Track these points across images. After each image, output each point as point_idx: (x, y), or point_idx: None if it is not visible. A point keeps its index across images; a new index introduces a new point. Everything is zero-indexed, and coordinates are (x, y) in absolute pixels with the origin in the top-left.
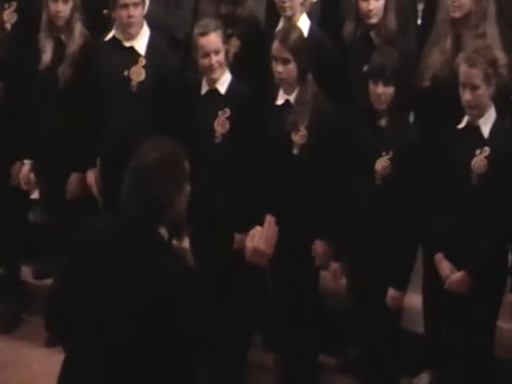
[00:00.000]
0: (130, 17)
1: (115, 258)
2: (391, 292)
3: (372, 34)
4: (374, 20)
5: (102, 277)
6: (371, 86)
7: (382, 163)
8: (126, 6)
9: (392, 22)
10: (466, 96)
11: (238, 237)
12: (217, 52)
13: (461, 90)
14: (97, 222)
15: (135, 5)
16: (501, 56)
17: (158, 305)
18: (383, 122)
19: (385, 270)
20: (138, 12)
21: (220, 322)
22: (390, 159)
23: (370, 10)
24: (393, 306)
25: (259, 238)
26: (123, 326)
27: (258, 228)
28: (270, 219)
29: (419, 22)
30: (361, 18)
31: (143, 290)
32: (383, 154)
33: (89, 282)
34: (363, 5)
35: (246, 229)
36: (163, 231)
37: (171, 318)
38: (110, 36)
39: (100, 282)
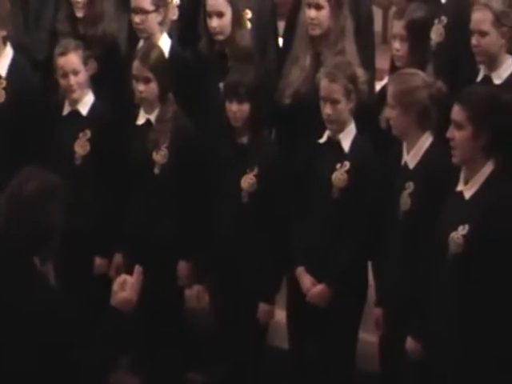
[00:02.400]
0: None
1: None
2: (262, 306)
3: (227, 51)
4: (219, 37)
5: None
6: (227, 104)
7: (247, 180)
8: None
9: (245, 38)
10: (327, 110)
11: (98, 261)
12: (75, 72)
13: (321, 104)
14: None
15: None
16: (360, 72)
17: (34, 335)
18: (244, 140)
19: (252, 286)
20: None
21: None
22: (255, 176)
23: (213, 28)
24: (264, 321)
25: (130, 288)
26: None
27: (126, 276)
28: (138, 269)
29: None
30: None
31: (18, 319)
32: (248, 171)
33: None
34: (209, 22)
35: (107, 251)
36: (36, 259)
37: (46, 346)
38: None
39: None
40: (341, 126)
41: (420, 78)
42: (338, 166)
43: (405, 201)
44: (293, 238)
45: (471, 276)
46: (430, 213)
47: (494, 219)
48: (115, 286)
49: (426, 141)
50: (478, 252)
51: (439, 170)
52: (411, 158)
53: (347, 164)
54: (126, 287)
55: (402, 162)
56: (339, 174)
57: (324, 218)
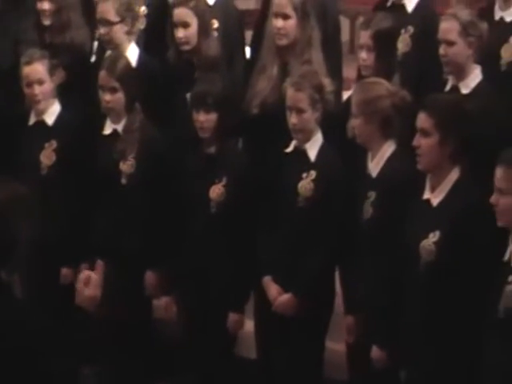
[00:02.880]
0: None
1: None
2: (231, 316)
3: (195, 60)
4: (186, 47)
5: None
6: (194, 114)
7: (216, 191)
8: None
9: (212, 48)
10: (292, 120)
11: (64, 271)
12: (40, 82)
13: (288, 114)
14: None
15: None
16: (327, 82)
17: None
18: (212, 150)
19: (221, 295)
20: None
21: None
22: (223, 186)
23: (179, 38)
24: (234, 330)
25: (93, 285)
26: None
27: (88, 273)
28: (100, 264)
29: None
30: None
31: None
32: (216, 181)
33: None
34: (175, 32)
35: (74, 261)
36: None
37: (15, 357)
38: None
39: None
40: (307, 136)
41: (383, 87)
42: (305, 175)
43: (367, 210)
44: (260, 248)
45: (444, 282)
46: (392, 221)
47: (465, 225)
48: (78, 284)
49: (388, 149)
50: (450, 258)
51: (401, 178)
52: (374, 166)
53: (313, 173)
54: (89, 284)
55: (367, 171)
56: (305, 183)
57: (290, 227)
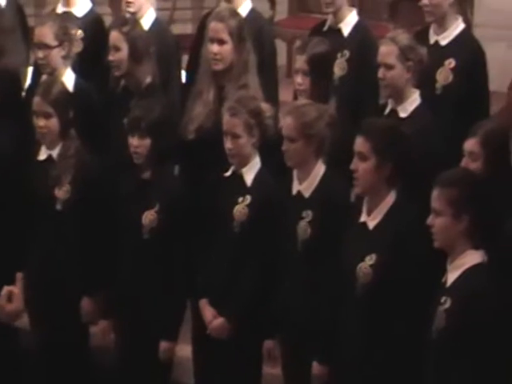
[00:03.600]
0: None
1: None
2: (163, 344)
3: (130, 85)
4: (117, 72)
5: None
6: (129, 139)
7: (148, 217)
8: None
9: (145, 72)
10: (228, 144)
11: None
12: None
13: (224, 138)
14: None
15: None
16: (266, 107)
17: None
18: (147, 175)
19: (153, 322)
20: None
21: None
22: (156, 212)
23: (110, 61)
24: (165, 358)
25: (16, 299)
26: None
27: (9, 288)
28: (19, 276)
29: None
30: None
31: None
32: (149, 207)
33: None
34: (109, 57)
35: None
36: None
37: None
38: None
39: None
40: (243, 160)
41: (315, 107)
42: (240, 199)
43: (304, 229)
44: (197, 271)
45: (380, 304)
46: (330, 239)
47: (400, 247)
48: (1, 301)
49: (320, 168)
50: (386, 280)
51: (337, 197)
52: (306, 186)
53: (248, 198)
54: (12, 299)
55: (294, 192)
56: (240, 208)
57: (225, 250)
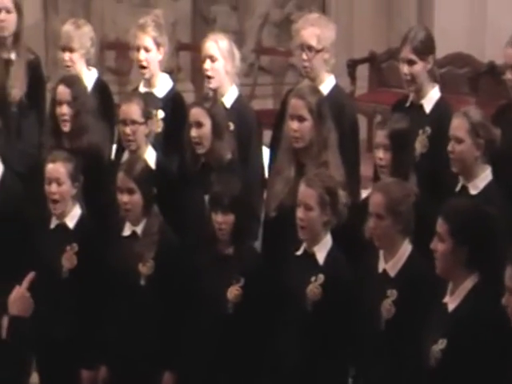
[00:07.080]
0: None
1: None
2: None
3: (210, 161)
4: (200, 149)
5: None
6: (212, 215)
7: (233, 291)
8: None
9: (224, 149)
10: (299, 214)
11: (85, 373)
12: (60, 183)
13: (297, 210)
14: None
15: None
16: (342, 194)
17: None
18: (230, 251)
19: None
20: None
21: None
22: (241, 287)
23: (193, 137)
24: None
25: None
26: None
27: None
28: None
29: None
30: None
31: None
32: (234, 282)
33: None
34: (189, 133)
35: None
36: None
37: None
38: None
39: None
40: (314, 237)
41: (403, 185)
42: (313, 279)
43: (387, 309)
44: (266, 353)
45: None
46: (414, 320)
47: (468, 334)
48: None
49: (407, 248)
50: (451, 367)
51: (423, 277)
52: (392, 265)
53: (321, 277)
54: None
55: (380, 270)
56: (313, 287)
57: (299, 331)
